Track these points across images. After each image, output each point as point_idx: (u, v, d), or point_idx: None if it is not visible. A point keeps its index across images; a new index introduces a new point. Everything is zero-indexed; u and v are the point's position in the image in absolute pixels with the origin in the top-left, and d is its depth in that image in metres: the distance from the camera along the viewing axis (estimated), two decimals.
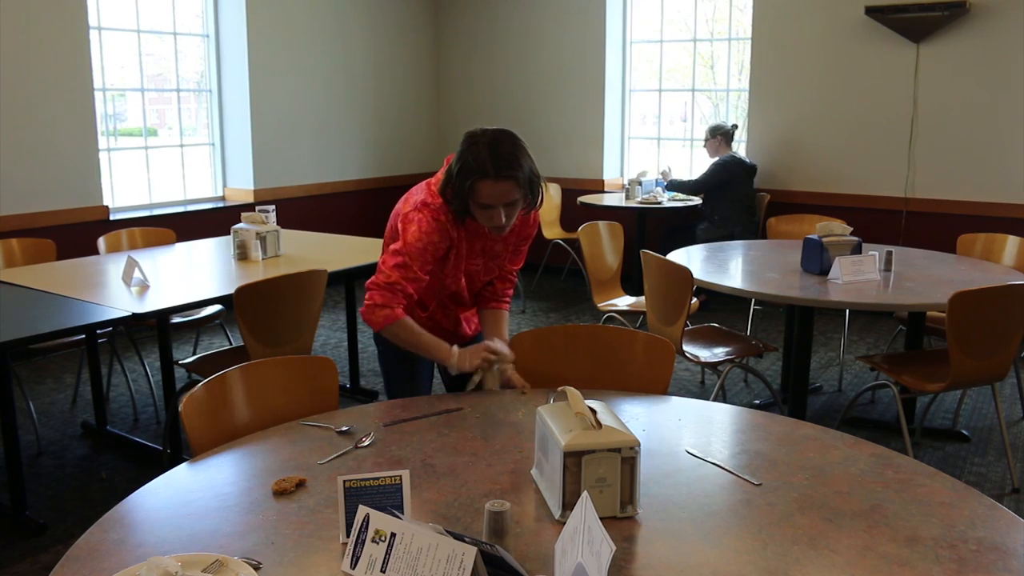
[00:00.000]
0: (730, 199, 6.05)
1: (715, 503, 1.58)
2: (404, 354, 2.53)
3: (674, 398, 2.17)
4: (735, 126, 6.25)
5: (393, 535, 1.32)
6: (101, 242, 4.35)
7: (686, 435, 1.91)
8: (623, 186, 6.91)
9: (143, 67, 6.04)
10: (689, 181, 6.23)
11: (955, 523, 1.50)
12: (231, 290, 3.23)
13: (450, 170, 2.22)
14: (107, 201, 5.59)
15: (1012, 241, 4.27)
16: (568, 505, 1.50)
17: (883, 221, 6.10)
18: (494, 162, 2.13)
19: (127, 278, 3.48)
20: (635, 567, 1.38)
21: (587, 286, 5.86)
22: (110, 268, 3.79)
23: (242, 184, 6.54)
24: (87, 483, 3.53)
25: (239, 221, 4.05)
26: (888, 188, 6.08)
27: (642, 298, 4.16)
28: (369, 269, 3.99)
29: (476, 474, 1.70)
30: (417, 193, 2.33)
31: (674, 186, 6.32)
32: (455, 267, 2.34)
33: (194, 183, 6.47)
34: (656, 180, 6.59)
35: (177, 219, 5.88)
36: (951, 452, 3.83)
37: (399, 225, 2.30)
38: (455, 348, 2.23)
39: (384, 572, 1.30)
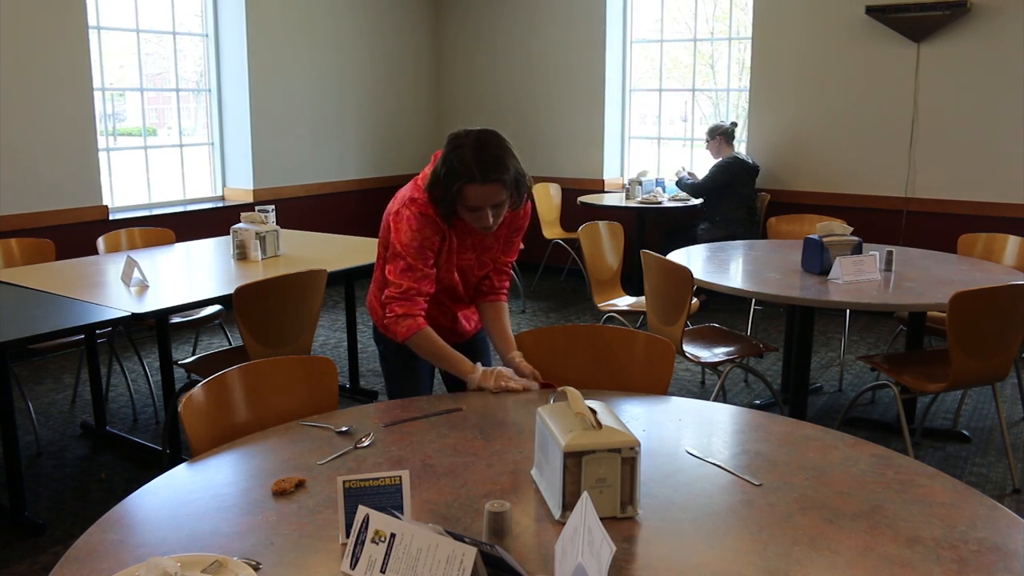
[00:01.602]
0: (732, 200, 6.04)
1: (715, 503, 1.58)
2: (405, 354, 2.53)
3: (674, 398, 2.17)
4: (734, 124, 6.25)
5: (393, 535, 1.31)
6: (100, 242, 4.34)
7: (686, 435, 1.91)
8: (623, 186, 6.90)
9: (142, 67, 6.03)
10: (692, 183, 6.22)
11: (956, 524, 1.49)
12: (231, 290, 3.22)
13: (436, 173, 2.21)
14: (106, 201, 5.58)
15: (1013, 241, 4.27)
16: (568, 505, 1.50)
17: (883, 221, 6.10)
18: (480, 166, 2.13)
19: (126, 278, 3.48)
20: (635, 568, 1.37)
21: (587, 286, 5.86)
22: (109, 268, 3.79)
23: (241, 184, 6.53)
24: (86, 483, 3.53)
25: (238, 221, 4.04)
26: (888, 188, 6.08)
27: (642, 298, 4.16)
28: (369, 269, 3.99)
29: (476, 474, 1.70)
30: (406, 191, 2.34)
31: (680, 185, 6.32)
32: (447, 262, 2.34)
33: (193, 183, 6.47)
34: (679, 174, 6.54)
35: (176, 219, 5.88)
36: (952, 452, 3.83)
37: (392, 224, 2.30)
38: (478, 366, 2.21)
39: (384, 573, 1.30)
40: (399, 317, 2.24)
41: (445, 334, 2.43)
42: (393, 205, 2.34)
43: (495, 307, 2.50)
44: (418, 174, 2.35)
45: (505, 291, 2.54)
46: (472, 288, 2.49)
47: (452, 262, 2.36)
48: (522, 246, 2.56)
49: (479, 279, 2.48)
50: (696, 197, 6.26)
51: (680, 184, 6.31)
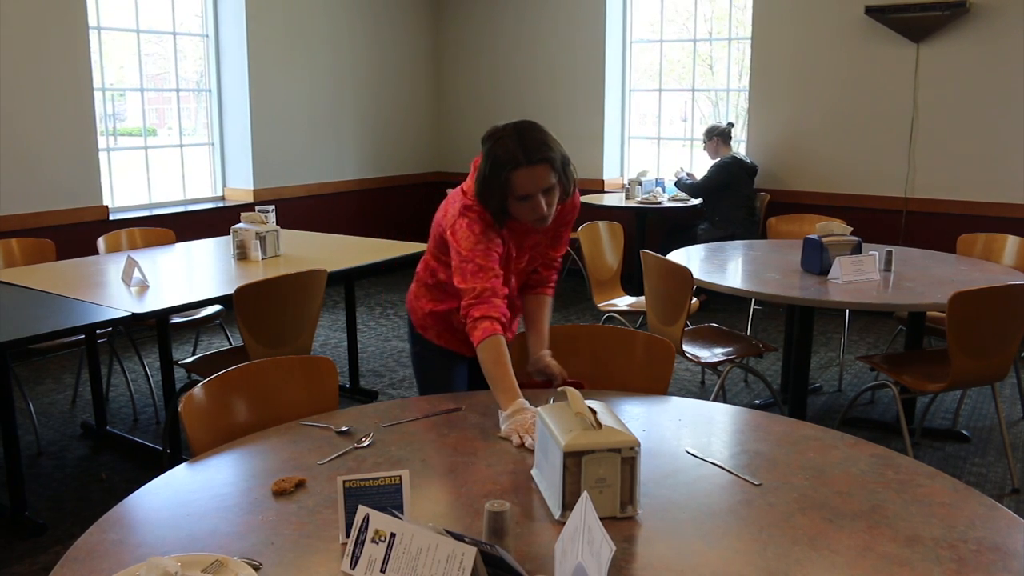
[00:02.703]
0: (730, 200, 6.05)
1: (715, 503, 1.58)
2: (443, 356, 2.47)
3: (674, 398, 2.17)
4: (731, 124, 6.25)
5: (393, 535, 1.31)
6: (101, 242, 4.35)
7: (686, 435, 1.91)
8: (623, 186, 6.90)
9: (142, 67, 6.03)
10: (690, 183, 6.23)
11: (955, 523, 1.50)
12: (231, 290, 3.22)
13: (481, 174, 2.17)
14: (107, 201, 5.58)
15: (1012, 241, 4.27)
16: (568, 505, 1.50)
17: (883, 221, 6.10)
18: (524, 148, 2.10)
19: (127, 278, 3.48)
20: (635, 567, 1.38)
21: (587, 286, 5.86)
22: (110, 268, 3.79)
23: (242, 184, 6.54)
24: (87, 483, 3.53)
25: (239, 221, 4.04)
26: (888, 188, 6.08)
27: (642, 298, 4.16)
28: (369, 269, 3.99)
29: (476, 474, 1.70)
30: (454, 201, 2.28)
31: (679, 185, 6.32)
32: (505, 270, 2.28)
33: (194, 183, 6.47)
34: (678, 175, 6.53)
35: (177, 219, 5.88)
36: (951, 452, 3.83)
37: (449, 237, 2.23)
38: (519, 402, 1.96)
39: (384, 572, 1.30)
40: (476, 320, 2.10)
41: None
42: (446, 219, 2.27)
43: (539, 300, 2.45)
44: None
45: (552, 284, 2.50)
46: (519, 289, 2.43)
47: (511, 269, 2.31)
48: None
49: (526, 275, 2.44)
50: (695, 197, 6.26)
51: (679, 185, 6.31)
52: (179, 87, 6.34)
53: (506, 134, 2.14)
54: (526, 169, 2.10)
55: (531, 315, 2.43)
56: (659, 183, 6.62)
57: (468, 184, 2.26)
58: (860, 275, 3.46)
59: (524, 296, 2.48)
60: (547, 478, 1.59)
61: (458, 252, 2.18)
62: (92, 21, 5.43)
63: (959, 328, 3.11)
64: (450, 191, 2.38)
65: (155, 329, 3.78)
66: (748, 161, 6.12)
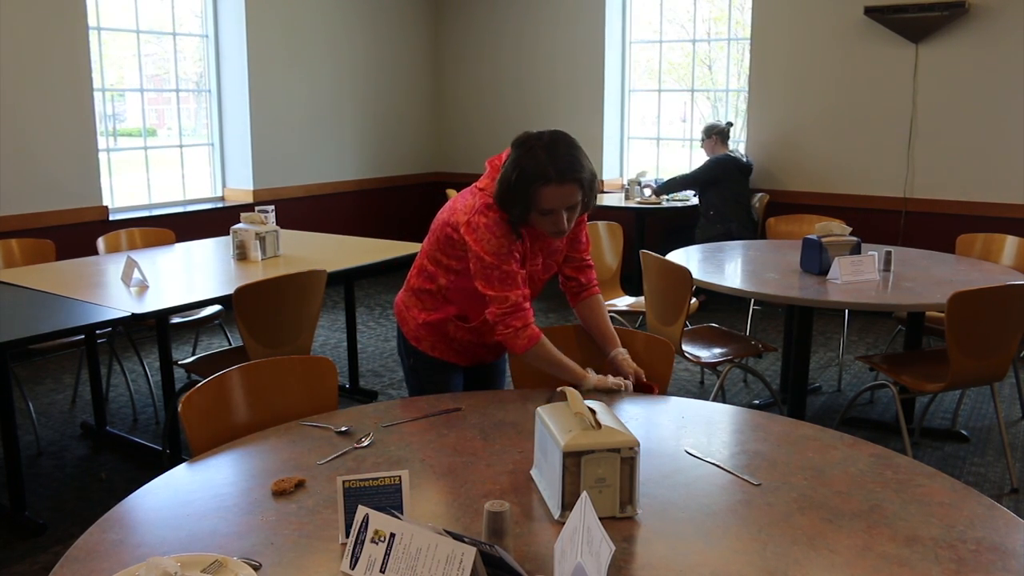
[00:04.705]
0: (723, 195, 6.03)
1: (714, 503, 1.59)
2: (438, 369, 2.43)
3: (674, 398, 2.17)
4: (730, 124, 6.25)
5: (392, 535, 1.32)
6: (100, 242, 4.35)
7: (686, 435, 1.91)
8: (623, 186, 6.90)
9: (142, 67, 6.04)
10: (682, 177, 6.19)
11: (954, 523, 1.50)
12: (230, 290, 3.23)
13: (506, 180, 2.12)
14: (106, 201, 5.58)
15: (1011, 241, 4.27)
16: (567, 505, 1.50)
17: (882, 221, 6.11)
18: (555, 166, 2.08)
19: (126, 278, 3.48)
20: (634, 567, 1.38)
21: None
22: (109, 268, 3.79)
23: (241, 184, 6.54)
24: (86, 483, 3.53)
25: (238, 221, 4.05)
26: (887, 188, 6.08)
27: (642, 298, 4.16)
28: (368, 269, 3.99)
29: (476, 474, 1.70)
30: (466, 197, 2.23)
31: (666, 186, 6.28)
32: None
33: (193, 183, 6.47)
34: (644, 184, 6.55)
35: (176, 219, 5.88)
36: (950, 452, 3.83)
37: (464, 234, 2.18)
38: (590, 371, 2.18)
39: (383, 572, 1.30)
40: (517, 331, 2.16)
41: (488, 351, 2.40)
42: (458, 217, 2.21)
43: (590, 303, 2.44)
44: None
45: (596, 283, 2.48)
46: (537, 294, 2.39)
47: (524, 272, 2.26)
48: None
49: (544, 283, 2.41)
50: (686, 189, 6.25)
51: (670, 183, 6.26)
52: (179, 87, 6.34)
53: (539, 145, 2.10)
54: (556, 186, 2.08)
55: (589, 319, 2.43)
56: (658, 183, 6.61)
57: (485, 183, 2.22)
58: (859, 275, 3.46)
59: (576, 305, 2.48)
60: (546, 478, 1.59)
61: (479, 256, 2.15)
62: (92, 21, 5.43)
63: (958, 328, 3.11)
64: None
65: (155, 329, 3.78)
66: (744, 160, 6.12)
